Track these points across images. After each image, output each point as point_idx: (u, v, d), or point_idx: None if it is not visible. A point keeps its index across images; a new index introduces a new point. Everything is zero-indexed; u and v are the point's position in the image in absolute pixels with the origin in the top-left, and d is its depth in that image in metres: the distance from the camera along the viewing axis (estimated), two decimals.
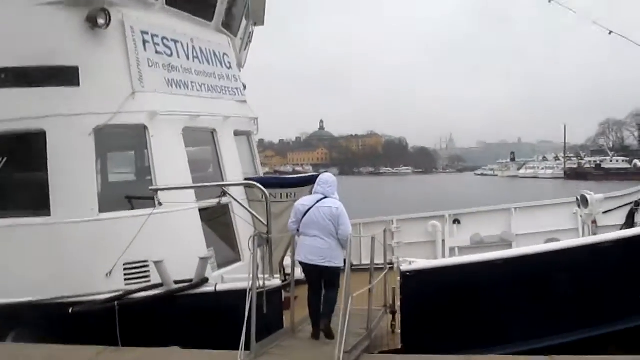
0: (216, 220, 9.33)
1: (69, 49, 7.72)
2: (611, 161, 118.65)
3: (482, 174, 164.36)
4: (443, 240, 13.48)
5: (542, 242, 13.13)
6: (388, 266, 8.53)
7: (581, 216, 12.59)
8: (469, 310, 7.31)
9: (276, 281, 7.24)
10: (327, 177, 7.52)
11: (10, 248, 7.47)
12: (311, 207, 7.11)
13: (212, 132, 9.45)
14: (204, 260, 7.23)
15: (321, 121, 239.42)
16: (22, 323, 7.23)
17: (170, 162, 8.24)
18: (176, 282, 7.31)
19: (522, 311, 7.31)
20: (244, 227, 8.87)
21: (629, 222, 12.56)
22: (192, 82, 9.05)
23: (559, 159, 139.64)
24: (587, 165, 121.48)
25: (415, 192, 75.10)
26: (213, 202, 7.80)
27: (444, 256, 13.40)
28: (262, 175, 11.65)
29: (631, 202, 12.68)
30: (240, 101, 10.44)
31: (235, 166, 9.89)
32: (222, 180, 9.35)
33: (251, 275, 6.06)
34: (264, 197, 9.56)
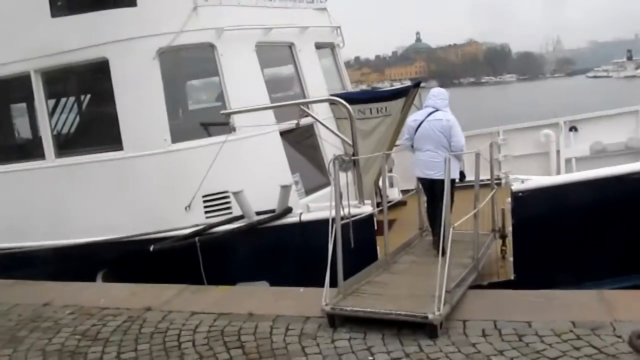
0: (302, 143, 8.58)
1: None
2: None
3: (594, 77, 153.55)
4: (558, 151, 12.00)
5: None
6: (495, 183, 7.55)
7: None
8: (594, 236, 6.18)
9: (367, 208, 6.40)
10: (437, 90, 7.39)
11: (85, 186, 7.14)
12: (422, 121, 7.00)
13: (290, 46, 8.53)
14: (286, 189, 6.52)
15: (417, 33, 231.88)
16: (105, 262, 7.00)
17: (244, 83, 7.47)
18: (259, 214, 6.73)
19: None
20: (332, 148, 8.08)
21: None
22: None
23: None
24: None
25: (520, 101, 70.97)
26: (291, 123, 6.95)
27: (559, 169, 11.98)
28: (350, 90, 10.65)
29: None
30: (319, 9, 9.38)
31: (319, 82, 8.98)
32: (305, 99, 8.50)
33: (333, 204, 5.24)
34: (359, 114, 8.80)
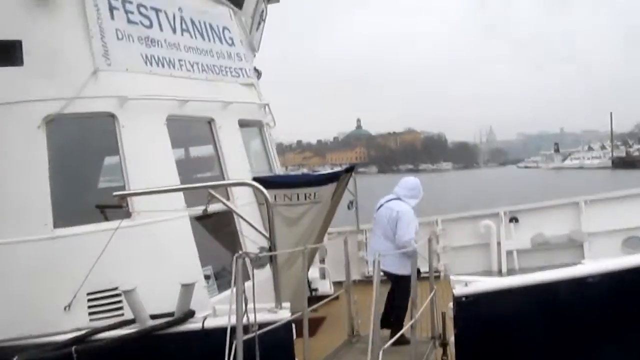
0: (219, 231, 7.53)
1: (6, 17, 5.97)
2: None
3: (525, 167, 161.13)
4: (498, 243, 11.41)
5: (621, 242, 11.02)
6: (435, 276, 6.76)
7: None
8: (548, 346, 5.31)
9: (283, 313, 5.31)
10: (408, 181, 7.39)
11: None
12: (381, 206, 7.14)
13: (210, 122, 7.61)
14: (187, 288, 5.37)
15: (358, 120, 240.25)
16: None
17: (149, 160, 6.43)
18: (155, 317, 5.53)
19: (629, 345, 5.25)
20: (253, 237, 7.05)
21: None
22: (179, 60, 7.23)
23: (605, 148, 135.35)
24: (636, 154, 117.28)
25: (458, 188, 72.36)
26: (198, 209, 5.90)
27: (500, 262, 11.32)
28: (279, 173, 9.76)
29: None
30: (246, 84, 8.60)
31: (241, 163, 8.04)
32: (224, 179, 7.54)
33: (235, 316, 4.16)
34: (275, 199, 7.87)
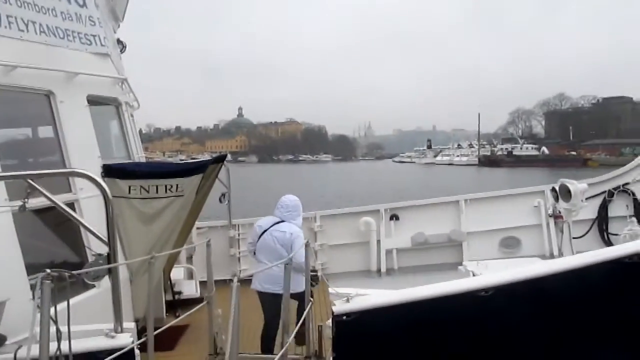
0: (57, 229, 6.20)
1: None
2: (521, 149, 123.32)
3: (400, 161, 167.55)
4: (378, 241, 10.90)
5: (498, 242, 10.91)
6: (312, 277, 5.92)
7: (551, 210, 10.39)
8: None
9: (123, 338, 4.18)
10: (287, 201, 6.84)
11: None
12: (265, 231, 6.65)
13: (48, 95, 6.23)
14: None
15: (240, 108, 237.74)
16: None
17: None
18: None
19: None
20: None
21: (602, 215, 10.48)
22: (8, 16, 5.79)
23: (473, 147, 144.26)
24: (500, 153, 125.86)
25: (337, 180, 73.21)
26: (14, 205, 4.58)
27: (379, 262, 10.80)
28: (139, 160, 8.49)
29: (604, 192, 10.57)
30: (99, 54, 7.26)
31: (88, 147, 6.74)
32: (64, 166, 6.20)
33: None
34: (129, 191, 6.71)
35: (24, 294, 5.06)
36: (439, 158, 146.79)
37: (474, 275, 7.98)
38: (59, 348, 3.23)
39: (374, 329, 4.49)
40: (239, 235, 11.20)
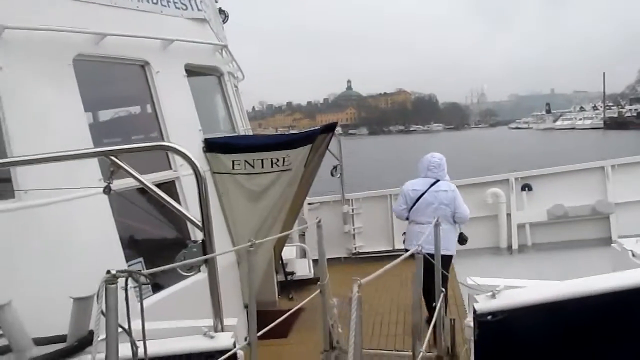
0: (156, 211, 5.76)
1: None
2: None
3: (516, 127, 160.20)
4: (508, 215, 9.73)
5: None
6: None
7: None
8: None
9: (223, 339, 3.55)
10: (437, 160, 6.78)
11: None
12: (424, 192, 6.61)
13: (143, 65, 5.75)
14: (82, 303, 3.62)
15: (349, 81, 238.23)
16: None
17: (43, 115, 4.58)
18: (40, 343, 3.81)
19: None
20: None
21: None
22: None
23: (597, 109, 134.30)
24: (628, 114, 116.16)
25: (450, 149, 70.65)
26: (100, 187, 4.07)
27: (510, 238, 9.64)
28: (246, 133, 7.93)
29: None
30: (196, 19, 6.71)
31: (189, 121, 6.23)
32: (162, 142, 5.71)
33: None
34: (233, 166, 6.15)
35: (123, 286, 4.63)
36: (559, 123, 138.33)
37: (633, 255, 6.69)
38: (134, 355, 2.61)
39: (527, 331, 3.54)
40: (352, 210, 10.48)
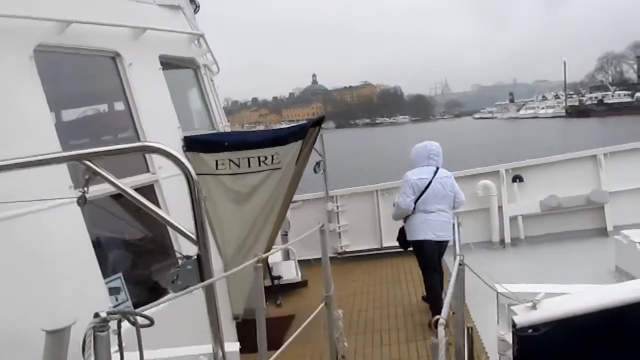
0: (135, 218, 5.17)
1: None
2: (612, 96, 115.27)
3: (480, 118, 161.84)
4: (500, 207, 9.39)
5: None
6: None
7: None
8: None
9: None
10: (436, 148, 6.79)
11: None
12: (431, 181, 6.53)
13: (113, 57, 5.15)
14: (56, 336, 3.05)
15: (314, 75, 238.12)
16: None
17: (7, 111, 3.97)
18: None
19: None
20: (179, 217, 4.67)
21: None
22: None
23: (559, 97, 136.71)
24: (589, 102, 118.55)
25: (420, 141, 70.72)
26: (73, 197, 3.47)
27: (503, 231, 9.31)
28: (224, 130, 7.35)
29: None
30: (170, 6, 6.14)
31: (166, 118, 5.66)
32: (138, 141, 5.12)
33: None
34: (217, 166, 5.62)
35: (99, 303, 4.06)
36: (522, 112, 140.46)
37: None
38: None
39: (576, 346, 3.12)
40: (337, 208, 10.01)
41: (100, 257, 4.32)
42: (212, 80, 7.82)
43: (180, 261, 3.11)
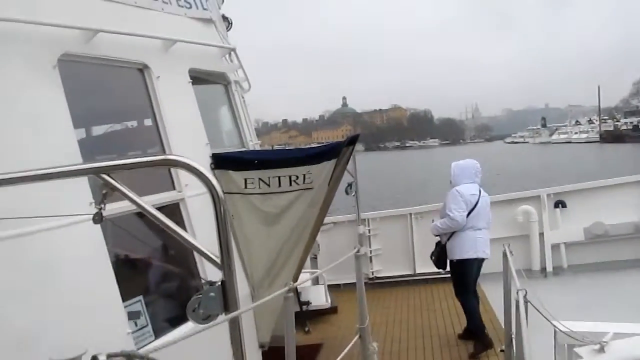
0: (158, 238, 4.90)
1: None
2: None
3: (512, 142, 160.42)
4: (541, 234, 8.91)
5: None
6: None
7: None
8: None
9: None
10: (477, 165, 6.74)
11: None
12: (479, 197, 6.51)
13: (142, 69, 4.94)
14: None
15: (344, 97, 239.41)
16: None
17: (21, 127, 3.75)
18: None
19: None
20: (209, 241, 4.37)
21: None
22: None
23: (592, 122, 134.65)
24: (624, 127, 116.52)
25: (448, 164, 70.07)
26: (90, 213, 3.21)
27: (544, 259, 8.83)
28: (254, 148, 7.09)
29: None
30: (202, 19, 5.94)
31: (194, 134, 5.42)
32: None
33: None
34: (246, 185, 5.34)
35: (119, 331, 3.79)
36: (555, 136, 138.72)
37: None
38: None
39: None
40: (369, 231, 9.65)
41: (120, 278, 4.05)
42: (242, 97, 7.60)
43: (203, 286, 2.80)
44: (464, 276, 6.42)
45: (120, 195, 2.62)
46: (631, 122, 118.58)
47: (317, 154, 5.34)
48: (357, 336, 4.31)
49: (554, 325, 3.05)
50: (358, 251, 4.34)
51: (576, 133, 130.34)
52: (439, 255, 6.64)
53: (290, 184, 5.36)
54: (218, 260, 2.71)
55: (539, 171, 47.17)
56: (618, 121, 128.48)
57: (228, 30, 8.02)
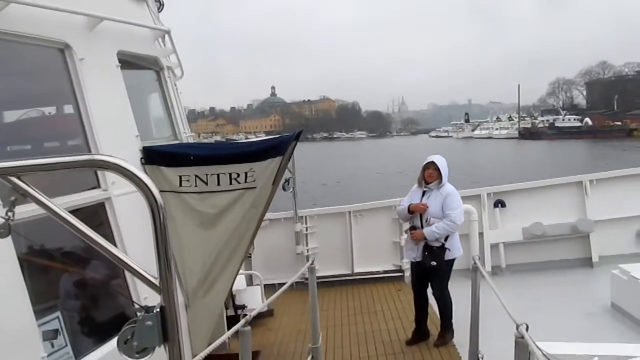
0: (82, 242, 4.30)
1: None
2: (563, 120, 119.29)
3: (436, 136, 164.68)
4: (480, 234, 8.83)
5: (635, 233, 8.71)
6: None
7: None
8: None
9: None
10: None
11: None
12: None
13: (62, 49, 4.31)
14: None
15: (272, 87, 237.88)
16: None
17: None
18: None
19: None
20: (143, 245, 3.80)
21: None
22: None
23: (512, 119, 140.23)
24: (541, 125, 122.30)
25: (377, 156, 70.93)
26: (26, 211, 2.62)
27: (484, 259, 8.74)
28: (188, 141, 6.52)
29: None
30: None
31: (122, 124, 4.83)
32: (90, 151, 4.28)
33: None
34: (181, 183, 4.83)
35: (29, 351, 3.23)
36: (477, 132, 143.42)
37: None
38: None
39: None
40: (306, 229, 9.28)
41: (33, 291, 3.47)
42: (175, 85, 7.02)
43: (137, 313, 2.30)
44: (448, 274, 6.38)
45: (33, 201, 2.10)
46: (547, 120, 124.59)
47: (261, 150, 4.90)
48: (309, 357, 3.93)
49: (540, 349, 2.77)
50: (312, 262, 3.94)
51: (497, 129, 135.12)
52: (441, 252, 6.29)
53: (231, 183, 4.89)
54: (156, 282, 2.21)
55: (464, 165, 48.43)
56: (535, 119, 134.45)
57: (160, 12, 7.40)
